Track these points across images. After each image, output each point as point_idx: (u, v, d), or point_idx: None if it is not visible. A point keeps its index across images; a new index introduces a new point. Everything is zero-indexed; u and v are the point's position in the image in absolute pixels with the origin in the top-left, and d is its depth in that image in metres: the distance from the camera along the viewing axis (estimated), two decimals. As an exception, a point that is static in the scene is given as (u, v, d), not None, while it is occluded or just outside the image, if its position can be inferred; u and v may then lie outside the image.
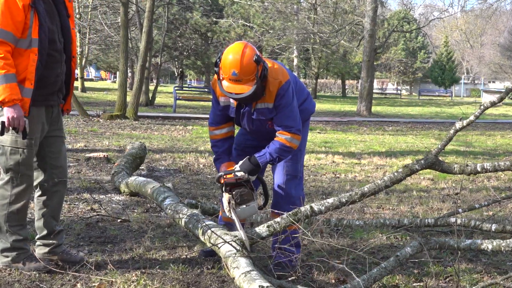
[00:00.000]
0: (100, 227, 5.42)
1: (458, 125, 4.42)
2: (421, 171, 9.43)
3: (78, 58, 38.14)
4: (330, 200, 4.15)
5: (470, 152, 12.82)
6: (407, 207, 6.85)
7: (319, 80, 53.72)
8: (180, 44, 42.10)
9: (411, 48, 65.26)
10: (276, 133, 4.19)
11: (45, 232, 4.25)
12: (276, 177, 4.47)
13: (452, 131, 4.47)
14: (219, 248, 3.85)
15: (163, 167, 9.06)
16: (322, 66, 46.63)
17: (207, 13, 39.59)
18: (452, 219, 5.52)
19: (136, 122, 17.60)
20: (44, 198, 4.23)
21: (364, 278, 3.62)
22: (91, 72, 73.30)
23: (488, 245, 4.04)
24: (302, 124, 4.38)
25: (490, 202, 5.48)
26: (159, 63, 33.00)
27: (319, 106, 34.36)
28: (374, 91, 36.31)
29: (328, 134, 16.44)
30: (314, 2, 38.50)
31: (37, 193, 4.25)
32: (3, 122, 3.74)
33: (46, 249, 4.26)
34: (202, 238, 4.23)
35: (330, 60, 44.65)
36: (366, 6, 27.00)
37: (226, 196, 4.13)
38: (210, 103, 24.12)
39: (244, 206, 4.11)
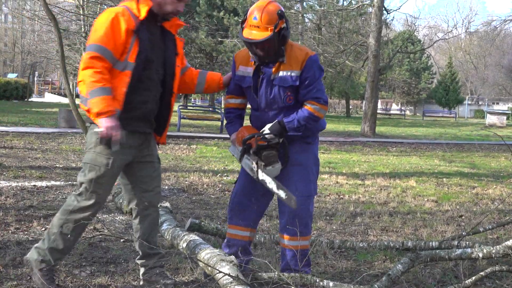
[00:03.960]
0: (103, 247, 5.41)
1: None
2: (424, 193, 9.44)
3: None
4: None
5: (474, 174, 12.79)
6: (411, 229, 6.82)
7: (323, 100, 53.68)
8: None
9: (415, 68, 65.41)
10: (305, 103, 4.26)
11: (140, 254, 4.40)
12: (300, 200, 4.36)
13: None
14: (217, 277, 3.85)
15: (166, 187, 9.05)
16: (327, 86, 46.71)
17: (213, 32, 39.78)
18: (456, 243, 5.49)
19: (140, 140, 17.57)
20: (136, 221, 4.36)
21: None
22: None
23: (478, 253, 4.02)
24: (316, 142, 4.54)
25: (495, 226, 5.46)
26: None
27: (323, 126, 34.32)
28: (378, 111, 36.30)
29: (332, 154, 16.43)
30: (319, 22, 38.64)
31: (133, 216, 4.40)
32: (100, 133, 3.81)
33: (142, 270, 4.38)
34: (201, 265, 4.26)
35: (334, 80, 44.73)
36: (371, 27, 27.09)
37: (253, 158, 4.23)
38: (213, 123, 23.99)
39: (271, 167, 4.21)
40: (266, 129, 4.23)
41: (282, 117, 4.27)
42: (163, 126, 4.36)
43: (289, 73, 4.19)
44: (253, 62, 4.28)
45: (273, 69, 4.21)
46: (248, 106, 4.59)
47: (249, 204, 4.51)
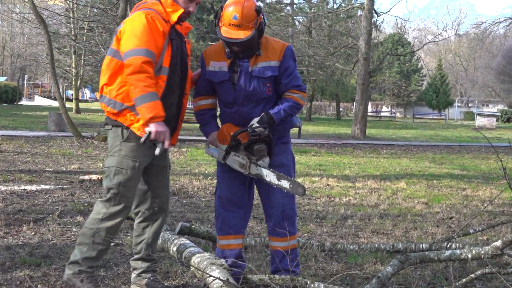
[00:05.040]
0: (93, 251, 5.37)
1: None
2: (415, 195, 9.46)
3: (73, 79, 38.31)
4: None
5: (464, 176, 12.83)
6: (402, 231, 6.83)
7: (313, 102, 53.84)
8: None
9: (405, 71, 65.57)
10: (286, 92, 4.28)
11: (137, 256, 4.36)
12: (274, 200, 4.40)
13: None
14: (208, 281, 3.84)
15: (157, 190, 9.01)
16: (317, 88, 46.77)
17: (203, 35, 39.74)
18: (446, 244, 5.50)
19: (131, 144, 17.53)
20: (143, 225, 4.34)
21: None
22: (86, 93, 73.31)
23: (468, 254, 4.03)
24: (291, 142, 4.59)
25: (485, 227, 5.48)
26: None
27: (314, 128, 34.42)
28: (368, 113, 36.47)
29: (323, 157, 16.45)
30: (309, 25, 38.75)
31: (138, 219, 4.36)
32: (149, 133, 3.82)
33: (134, 274, 4.34)
34: (192, 269, 4.26)
35: (325, 83, 44.80)
36: (361, 29, 27.17)
37: (244, 154, 4.20)
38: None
39: (261, 161, 4.21)
40: (255, 122, 4.20)
41: (262, 110, 4.25)
42: (175, 127, 4.34)
43: (267, 64, 4.19)
44: (227, 57, 4.26)
45: (250, 62, 4.20)
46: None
47: (236, 211, 4.46)
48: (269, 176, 4.18)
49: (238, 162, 4.26)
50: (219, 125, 4.48)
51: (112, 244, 5.56)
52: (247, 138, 4.17)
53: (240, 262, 4.42)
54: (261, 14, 4.10)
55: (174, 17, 4.03)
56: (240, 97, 4.29)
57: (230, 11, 4.04)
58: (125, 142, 3.99)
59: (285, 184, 4.14)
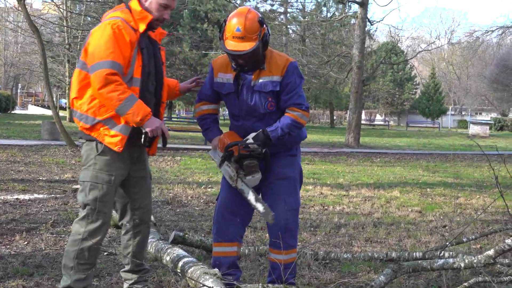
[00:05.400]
0: (86, 261, 5.35)
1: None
2: (408, 203, 9.47)
3: (67, 88, 38.21)
4: None
5: (458, 184, 12.86)
6: (395, 240, 6.84)
7: (307, 111, 53.81)
8: (169, 75, 42.31)
9: (399, 79, 65.76)
10: (287, 110, 4.22)
11: (127, 268, 4.32)
12: (277, 212, 4.30)
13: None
14: None
15: (150, 199, 9.01)
16: (311, 97, 46.85)
17: (197, 44, 39.81)
18: (439, 253, 5.50)
19: (124, 152, 17.50)
20: (126, 237, 4.28)
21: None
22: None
23: (460, 263, 4.03)
24: (299, 154, 4.55)
25: (478, 236, 5.49)
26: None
27: (308, 136, 34.36)
28: (362, 122, 36.51)
29: (317, 165, 16.46)
30: (302, 33, 38.85)
31: (122, 232, 4.32)
32: (146, 133, 3.83)
33: (126, 285, 4.30)
34: (185, 278, 4.27)
35: (319, 91, 44.89)
36: (354, 38, 27.25)
37: (233, 166, 4.18)
38: (198, 134, 23.82)
39: (251, 177, 4.18)
40: (250, 138, 4.20)
41: (264, 125, 4.23)
42: (154, 138, 4.29)
43: (269, 79, 4.16)
44: (233, 69, 4.25)
45: (253, 76, 4.19)
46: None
47: (233, 218, 4.43)
48: (250, 195, 4.17)
49: (228, 173, 4.26)
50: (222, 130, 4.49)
51: (105, 253, 5.58)
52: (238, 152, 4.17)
53: (234, 270, 4.41)
54: (264, 25, 4.09)
55: (142, 26, 3.94)
56: (243, 110, 4.30)
57: (233, 24, 4.04)
58: (99, 156, 3.91)
59: (260, 207, 4.12)
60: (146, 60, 3.98)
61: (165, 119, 24.89)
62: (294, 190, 4.43)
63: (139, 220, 4.25)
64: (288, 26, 39.12)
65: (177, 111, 73.48)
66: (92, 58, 3.79)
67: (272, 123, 4.23)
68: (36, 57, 41.16)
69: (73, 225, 4.01)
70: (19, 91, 69.82)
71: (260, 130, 4.19)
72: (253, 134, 4.20)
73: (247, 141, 4.18)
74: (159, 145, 4.14)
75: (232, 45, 4.04)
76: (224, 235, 4.44)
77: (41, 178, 10.62)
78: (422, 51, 48.99)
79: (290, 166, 4.43)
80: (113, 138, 3.84)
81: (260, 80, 4.18)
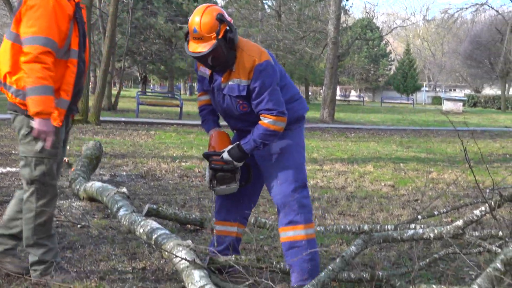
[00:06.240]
0: (59, 233, 5.34)
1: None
2: (381, 177, 9.56)
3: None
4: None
5: (430, 159, 13.00)
6: (368, 213, 6.91)
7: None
8: (143, 49, 41.93)
9: (374, 55, 66.04)
10: (260, 117, 3.94)
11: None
12: (272, 190, 4.14)
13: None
14: (175, 262, 3.85)
15: (124, 173, 8.99)
16: (287, 72, 46.73)
17: (172, 18, 39.44)
18: (411, 226, 5.58)
19: (98, 126, 17.44)
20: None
21: (313, 283, 3.64)
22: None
23: (430, 233, 4.08)
24: (297, 129, 4.22)
25: (449, 209, 5.56)
26: (122, 67, 32.77)
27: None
28: (337, 98, 36.60)
29: (291, 140, 16.46)
30: (278, 8, 38.66)
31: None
32: (33, 131, 3.69)
33: (2, 249, 4.16)
34: (159, 250, 4.28)
35: (294, 66, 44.85)
36: (330, 14, 27.20)
37: (209, 173, 4.13)
38: (172, 109, 23.69)
39: (225, 186, 4.12)
40: (226, 151, 4.05)
41: (248, 124, 4.05)
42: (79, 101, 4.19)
43: (238, 82, 3.93)
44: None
45: (223, 78, 3.98)
46: None
47: (233, 197, 4.31)
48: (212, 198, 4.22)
49: (206, 175, 4.23)
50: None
51: (79, 226, 5.57)
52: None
53: (228, 251, 4.31)
54: (225, 22, 3.82)
55: None
56: (221, 111, 4.20)
57: (191, 24, 3.84)
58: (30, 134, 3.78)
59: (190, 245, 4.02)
60: (82, 29, 3.89)
61: (139, 93, 24.76)
62: (300, 167, 4.17)
63: None
64: (264, 1, 38.95)
65: (151, 86, 73.06)
66: (25, 30, 3.64)
67: (256, 121, 3.98)
68: None
69: (23, 204, 3.93)
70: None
71: (236, 144, 4.04)
72: (230, 147, 4.08)
73: (223, 155, 4.06)
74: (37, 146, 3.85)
75: (192, 47, 3.87)
76: (226, 214, 4.38)
77: (13, 152, 10.52)
78: (397, 27, 49.24)
79: (284, 138, 4.12)
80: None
81: (230, 83, 3.96)
